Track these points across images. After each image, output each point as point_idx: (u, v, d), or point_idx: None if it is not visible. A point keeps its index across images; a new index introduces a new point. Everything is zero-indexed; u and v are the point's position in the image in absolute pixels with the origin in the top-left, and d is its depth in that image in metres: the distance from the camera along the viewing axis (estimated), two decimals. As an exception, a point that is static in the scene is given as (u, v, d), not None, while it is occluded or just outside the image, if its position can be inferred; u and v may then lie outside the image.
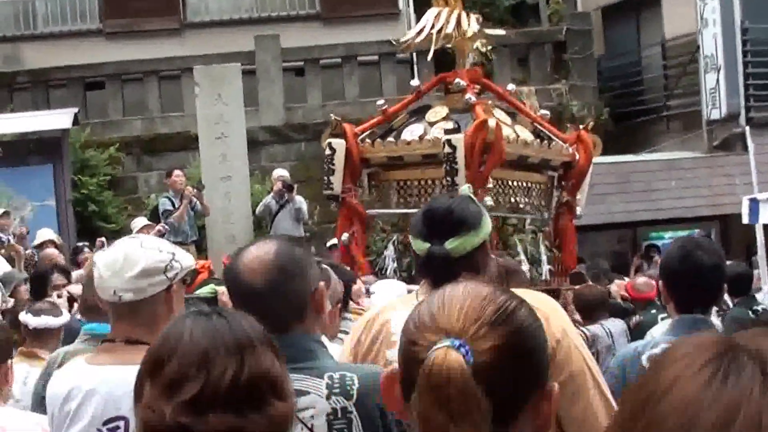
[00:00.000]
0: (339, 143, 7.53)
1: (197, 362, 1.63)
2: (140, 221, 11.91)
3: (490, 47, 7.80)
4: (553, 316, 2.81)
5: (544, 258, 7.44)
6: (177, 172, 12.60)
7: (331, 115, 7.90)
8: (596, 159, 7.84)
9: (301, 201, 12.81)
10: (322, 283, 2.58)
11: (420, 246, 2.98)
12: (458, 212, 2.98)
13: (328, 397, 2.44)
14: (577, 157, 7.39)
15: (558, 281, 7.49)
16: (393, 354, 2.94)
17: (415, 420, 1.34)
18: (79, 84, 15.61)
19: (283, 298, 2.46)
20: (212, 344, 1.65)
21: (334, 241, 12.52)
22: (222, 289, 5.36)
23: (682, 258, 3.46)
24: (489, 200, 6.90)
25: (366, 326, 3.02)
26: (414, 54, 15.53)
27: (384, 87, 15.54)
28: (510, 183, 7.43)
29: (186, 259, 2.90)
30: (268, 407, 1.62)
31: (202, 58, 14.24)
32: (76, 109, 14.16)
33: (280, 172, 13.17)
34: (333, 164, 7.55)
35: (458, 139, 6.96)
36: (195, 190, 12.37)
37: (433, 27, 7.58)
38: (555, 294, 7.35)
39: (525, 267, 7.15)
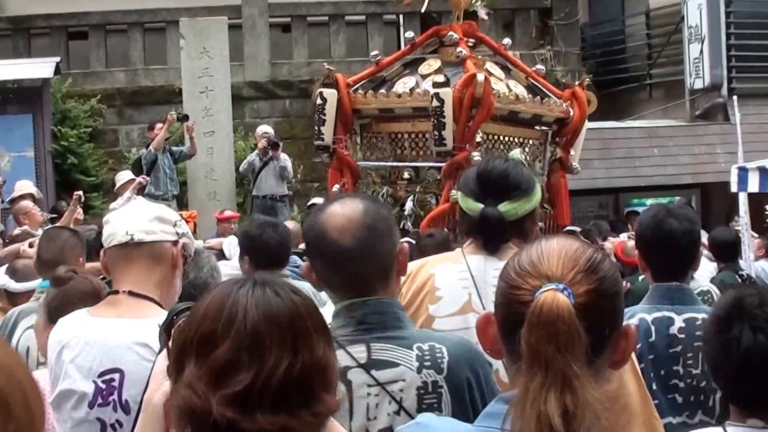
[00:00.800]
0: (330, 93, 7.39)
1: (251, 348, 1.49)
2: (125, 174, 11.67)
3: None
4: None
5: (535, 213, 7.35)
6: (159, 125, 12.32)
7: (324, 64, 7.74)
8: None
9: (285, 159, 12.61)
10: (405, 244, 2.46)
11: (471, 206, 2.96)
12: (513, 176, 2.98)
13: (419, 370, 2.29)
14: (572, 113, 7.29)
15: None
16: (435, 309, 2.94)
17: (521, 350, 1.53)
18: (62, 33, 15.24)
19: (372, 258, 2.32)
20: (269, 328, 1.52)
21: (316, 200, 12.44)
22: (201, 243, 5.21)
23: (655, 226, 3.44)
24: (477, 155, 6.79)
25: (408, 278, 2.96)
26: (401, 15, 15.44)
27: (370, 47, 15.23)
28: (502, 138, 7.33)
29: (190, 233, 2.91)
30: (317, 403, 1.51)
31: (188, 11, 13.99)
32: (57, 59, 13.82)
33: (265, 129, 12.96)
34: (324, 114, 7.41)
35: (446, 92, 6.85)
36: (177, 120, 12.11)
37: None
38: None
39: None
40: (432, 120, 6.90)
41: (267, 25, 15.04)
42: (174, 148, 12.36)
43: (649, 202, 14.41)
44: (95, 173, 14.05)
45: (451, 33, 7.39)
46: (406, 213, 7.25)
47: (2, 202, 11.09)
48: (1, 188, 11.32)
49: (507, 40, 7.89)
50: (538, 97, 7.27)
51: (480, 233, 2.95)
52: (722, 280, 7.77)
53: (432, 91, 6.94)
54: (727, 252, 8.05)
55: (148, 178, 11.55)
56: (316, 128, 7.50)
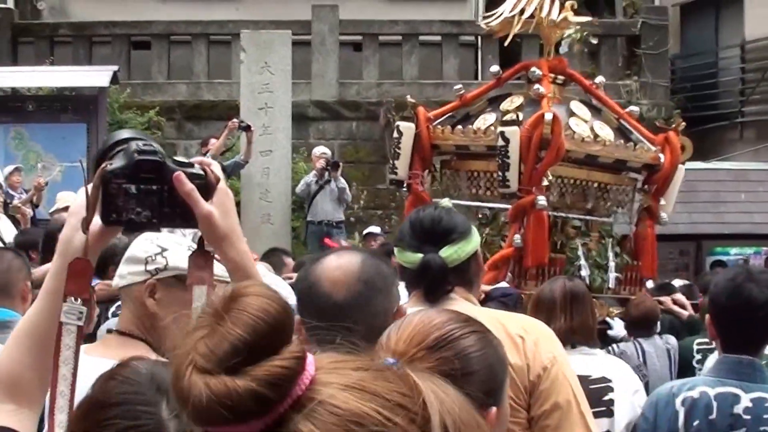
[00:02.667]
0: (407, 127, 7.45)
1: None
2: None
3: (583, 35, 7.66)
4: (542, 341, 2.82)
5: (611, 265, 7.31)
6: (213, 141, 12.51)
7: (408, 96, 7.83)
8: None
9: (344, 181, 12.70)
10: (404, 305, 2.50)
11: (410, 258, 2.96)
12: (447, 220, 3.00)
13: None
14: (662, 159, 7.25)
15: (631, 290, 7.34)
16: None
17: None
18: (124, 42, 15.62)
19: (365, 315, 2.29)
20: None
21: (372, 229, 12.47)
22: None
23: (731, 292, 3.29)
24: (542, 199, 6.80)
25: None
26: (479, 37, 15.48)
27: (444, 69, 15.44)
28: (578, 182, 7.30)
29: (180, 261, 2.80)
30: None
31: (255, 24, 14.22)
32: (115, 68, 14.05)
33: (322, 150, 13.04)
34: (399, 148, 7.48)
35: (512, 132, 6.84)
36: (239, 128, 12.19)
37: (515, 10, 7.44)
38: (623, 303, 7.29)
39: (585, 272, 7.08)
40: (497, 160, 6.93)
41: (337, 43, 15.19)
42: (226, 163, 12.41)
43: (734, 251, 14.26)
44: (150, 187, 14.21)
45: (533, 69, 7.41)
46: None
47: (37, 206, 11.26)
48: (42, 189, 11.45)
49: (600, 79, 7.86)
50: (621, 140, 7.24)
51: (421, 283, 2.93)
52: None
53: (498, 129, 6.97)
54: None
55: None
56: (391, 162, 7.58)
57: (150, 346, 2.75)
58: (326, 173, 12.49)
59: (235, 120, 12.23)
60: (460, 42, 15.62)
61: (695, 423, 3.22)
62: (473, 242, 3.01)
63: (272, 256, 8.18)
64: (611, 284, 7.26)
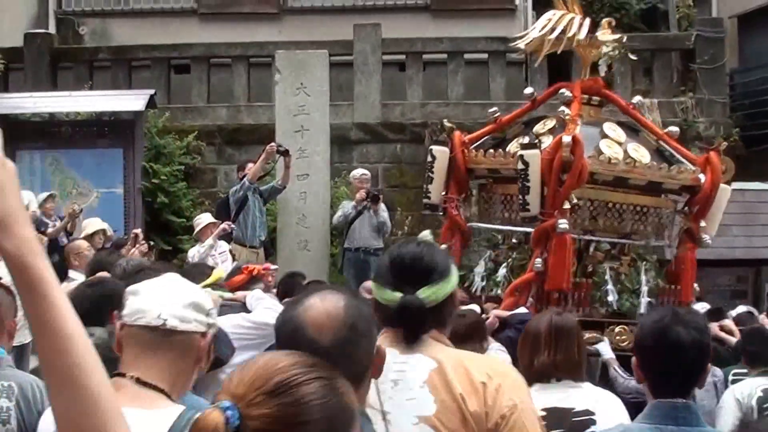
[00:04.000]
0: (441, 151, 7.63)
1: None
2: (205, 217, 11.85)
3: (620, 52, 7.78)
4: (506, 388, 2.86)
5: (644, 289, 7.40)
6: (250, 165, 12.54)
7: (445, 120, 8.00)
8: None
9: (384, 210, 12.65)
10: (382, 346, 2.55)
11: (389, 296, 2.99)
12: (428, 259, 3.02)
13: None
14: (702, 180, 7.33)
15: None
16: None
17: None
18: (163, 65, 15.82)
19: (349, 360, 2.31)
20: None
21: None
22: (219, 295, 5.39)
23: (656, 334, 3.28)
24: (563, 223, 6.92)
25: None
26: (528, 55, 15.50)
27: (492, 89, 15.45)
28: (609, 205, 7.41)
29: (218, 323, 2.92)
30: None
31: (296, 45, 14.29)
32: (152, 91, 14.18)
33: (361, 172, 13.02)
34: (432, 173, 7.67)
35: (532, 155, 7.01)
36: (277, 152, 12.23)
37: (545, 30, 7.58)
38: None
39: (612, 297, 7.20)
40: (517, 183, 7.09)
41: (379, 63, 15.27)
42: (263, 188, 12.49)
43: (798, 277, 14.11)
44: (189, 214, 14.22)
45: (563, 90, 7.55)
46: (498, 279, 7.45)
47: (71, 234, 11.44)
48: (77, 217, 11.66)
49: (637, 99, 7.99)
50: (656, 162, 7.34)
51: (399, 324, 2.98)
52: None
53: (518, 152, 7.13)
54: None
55: (233, 225, 11.77)
56: (425, 186, 7.76)
57: (167, 396, 2.70)
58: (365, 203, 12.44)
59: (273, 144, 12.22)
60: (507, 60, 15.51)
61: None
62: (452, 282, 3.02)
63: (291, 281, 8.27)
64: (643, 309, 7.34)
